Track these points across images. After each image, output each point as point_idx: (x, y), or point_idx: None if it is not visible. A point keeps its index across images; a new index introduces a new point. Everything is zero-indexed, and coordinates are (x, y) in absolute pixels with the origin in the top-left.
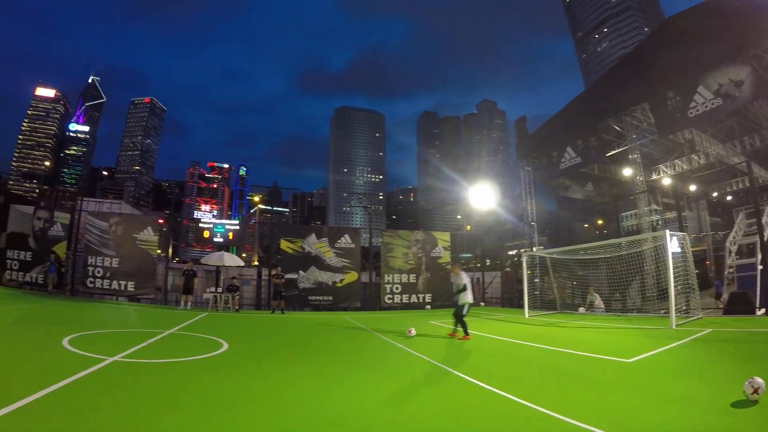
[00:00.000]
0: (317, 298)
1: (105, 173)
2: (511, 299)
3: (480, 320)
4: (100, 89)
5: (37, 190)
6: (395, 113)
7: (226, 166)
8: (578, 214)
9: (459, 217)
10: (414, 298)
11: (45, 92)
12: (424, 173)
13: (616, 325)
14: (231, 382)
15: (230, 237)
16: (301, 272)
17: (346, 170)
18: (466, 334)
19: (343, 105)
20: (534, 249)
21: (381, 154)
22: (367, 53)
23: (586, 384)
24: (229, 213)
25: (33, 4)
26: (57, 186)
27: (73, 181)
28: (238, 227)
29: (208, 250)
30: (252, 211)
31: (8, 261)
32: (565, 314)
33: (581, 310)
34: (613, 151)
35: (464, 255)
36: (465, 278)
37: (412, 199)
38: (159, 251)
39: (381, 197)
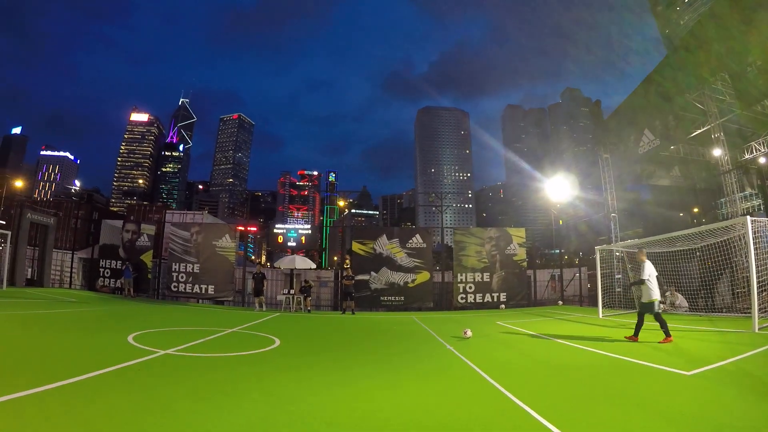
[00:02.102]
0: (389, 298)
1: (200, 187)
2: (593, 297)
3: (548, 320)
4: (190, 110)
5: (136, 206)
6: (480, 111)
7: (315, 173)
8: (668, 203)
9: (547, 211)
10: (488, 298)
11: (139, 117)
12: (512, 168)
13: (693, 327)
14: (258, 376)
15: (303, 241)
16: (372, 273)
17: (433, 170)
18: (668, 335)
19: (423, 105)
20: (614, 243)
21: (467, 151)
22: (448, 54)
23: (622, 402)
24: (321, 218)
25: (125, 39)
26: (156, 201)
27: (167, 197)
28: (309, 231)
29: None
30: (343, 215)
31: (101, 269)
32: None
33: (662, 308)
34: (698, 131)
35: (553, 251)
36: (648, 269)
37: (501, 196)
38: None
39: (470, 195)
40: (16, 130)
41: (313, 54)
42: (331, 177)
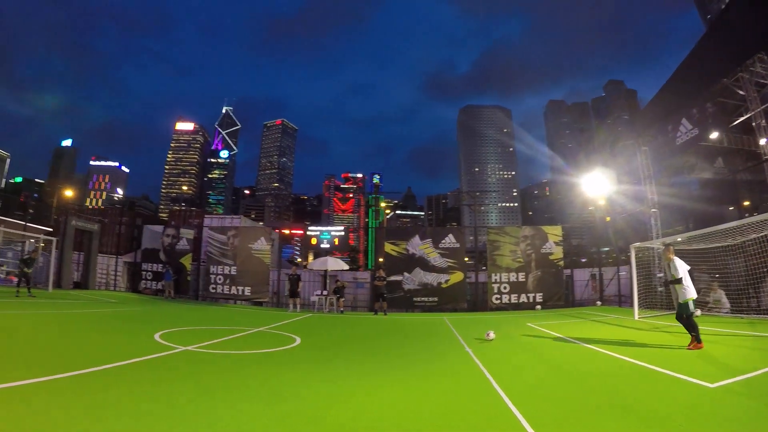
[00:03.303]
0: (422, 299)
1: (246, 192)
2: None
3: (580, 322)
4: (234, 118)
5: (177, 211)
6: (523, 108)
7: (359, 175)
8: (716, 197)
9: (591, 208)
10: (523, 298)
11: (184, 126)
12: (556, 165)
13: (731, 330)
14: (266, 373)
15: (336, 243)
16: (405, 274)
17: (477, 169)
18: (698, 341)
19: (465, 104)
20: (654, 240)
21: (511, 149)
22: (490, 51)
23: (630, 416)
24: (366, 220)
25: (169, 52)
26: (204, 207)
27: (214, 203)
28: (342, 233)
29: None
30: (388, 216)
31: (143, 272)
32: None
33: (698, 312)
34: (741, 118)
35: (601, 249)
36: (680, 266)
37: (547, 193)
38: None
39: (515, 194)
40: (67, 143)
41: (354, 58)
42: (376, 179)
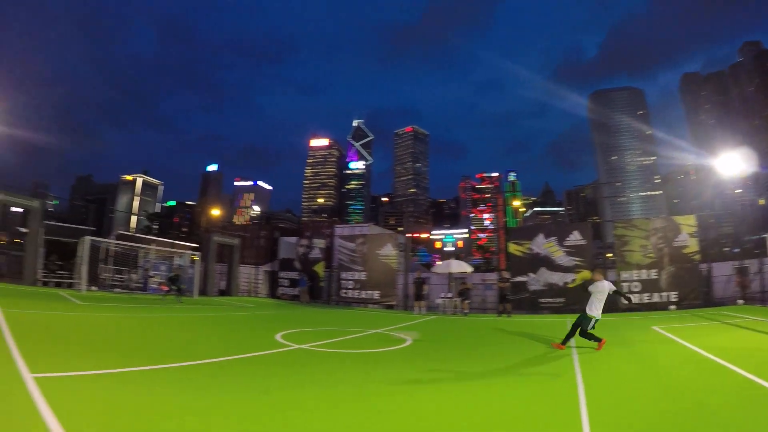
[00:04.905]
0: (548, 300)
1: (384, 200)
2: None
3: (714, 325)
4: (365, 130)
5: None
6: (656, 85)
7: (495, 174)
8: None
9: (739, 191)
10: (656, 298)
11: (318, 142)
12: (699, 144)
13: None
14: (359, 370)
15: (459, 245)
16: (530, 274)
17: (614, 157)
18: None
19: (595, 89)
20: None
21: (648, 133)
22: (615, 31)
23: None
24: (505, 219)
25: (297, 75)
26: (343, 217)
27: (353, 212)
28: (466, 235)
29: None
30: (526, 214)
31: (280, 280)
32: None
33: None
34: None
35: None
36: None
37: (693, 177)
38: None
39: (657, 180)
40: (212, 167)
41: (480, 56)
42: (511, 176)
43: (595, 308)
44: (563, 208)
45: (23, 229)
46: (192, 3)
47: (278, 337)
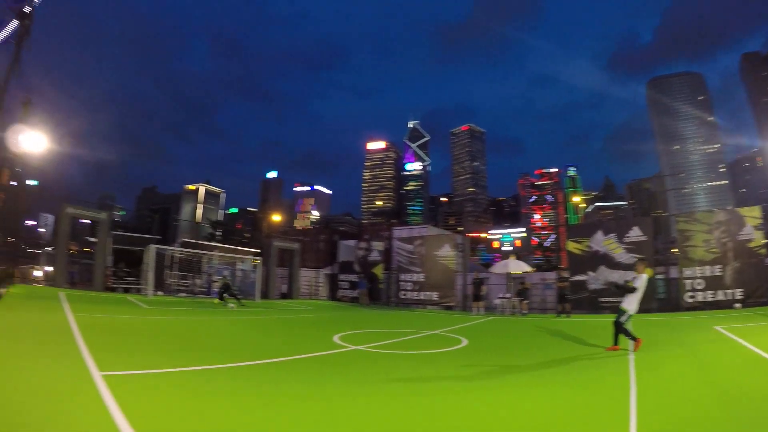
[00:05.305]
0: (608, 299)
1: (443, 200)
2: None
3: None
4: (421, 130)
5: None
6: (716, 68)
7: (554, 170)
8: None
9: None
10: (720, 295)
11: (375, 145)
12: (764, 129)
13: None
14: (411, 370)
15: (517, 245)
16: (590, 273)
17: (677, 147)
18: None
19: (652, 76)
20: None
21: (710, 119)
22: (670, 12)
23: None
24: (566, 216)
25: (351, 80)
26: (403, 218)
27: (412, 213)
28: (525, 234)
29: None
30: (587, 210)
31: (340, 282)
32: None
33: None
34: None
35: None
36: None
37: (760, 164)
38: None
39: (722, 169)
40: (272, 174)
41: (534, 50)
42: (571, 171)
43: (629, 302)
44: (625, 203)
45: (93, 239)
46: (243, 18)
47: (335, 338)
